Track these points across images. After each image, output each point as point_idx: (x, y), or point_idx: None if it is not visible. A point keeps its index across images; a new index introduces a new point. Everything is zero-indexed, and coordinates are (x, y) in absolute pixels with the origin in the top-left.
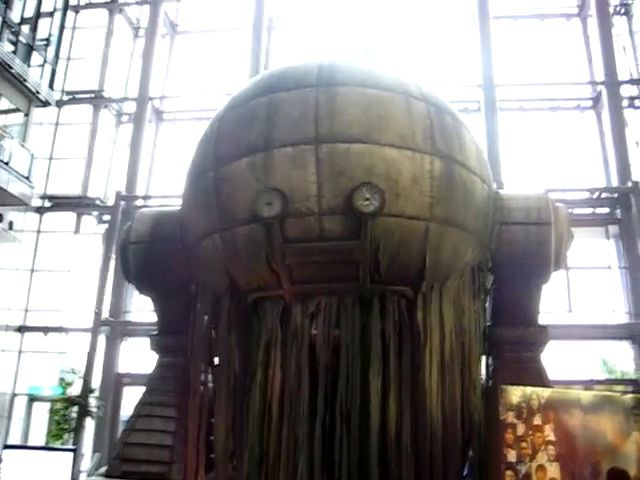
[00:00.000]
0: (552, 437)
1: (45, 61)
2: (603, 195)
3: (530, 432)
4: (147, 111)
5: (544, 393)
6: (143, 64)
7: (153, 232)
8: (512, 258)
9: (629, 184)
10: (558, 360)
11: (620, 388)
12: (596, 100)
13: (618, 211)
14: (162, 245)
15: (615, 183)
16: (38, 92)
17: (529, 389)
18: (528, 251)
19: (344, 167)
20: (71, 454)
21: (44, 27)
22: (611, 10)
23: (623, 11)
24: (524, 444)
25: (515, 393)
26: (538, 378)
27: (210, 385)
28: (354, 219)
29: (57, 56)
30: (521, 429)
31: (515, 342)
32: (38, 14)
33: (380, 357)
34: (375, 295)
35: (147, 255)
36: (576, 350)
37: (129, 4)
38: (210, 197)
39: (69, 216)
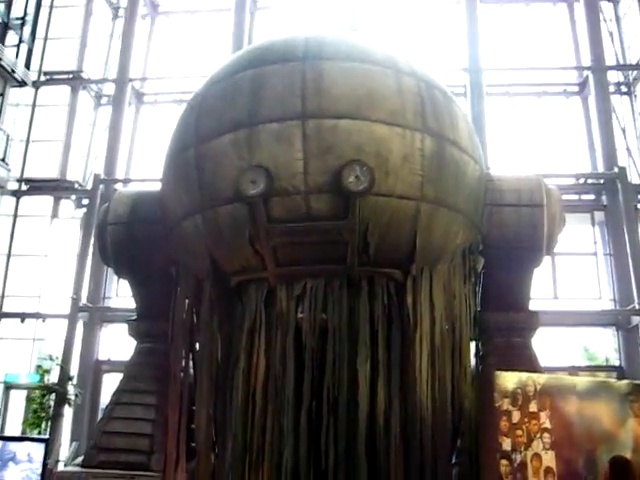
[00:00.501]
0: (548, 424)
1: (21, 40)
2: (589, 181)
3: (525, 419)
4: (127, 93)
5: (540, 379)
6: (123, 44)
7: (132, 213)
8: (503, 241)
9: (615, 170)
10: (540, 347)
11: (603, 375)
12: (582, 86)
13: (604, 197)
14: (141, 226)
15: (601, 169)
16: (14, 71)
17: (524, 375)
18: (520, 234)
19: (332, 144)
20: (43, 445)
21: (20, 5)
22: None
23: None
24: (519, 432)
25: (510, 379)
26: (529, 364)
27: (191, 371)
28: (342, 198)
29: (34, 35)
30: (516, 416)
31: (505, 328)
32: None
33: (368, 342)
34: (363, 278)
35: (125, 237)
36: (557, 337)
37: None
38: (191, 175)
39: (46, 200)
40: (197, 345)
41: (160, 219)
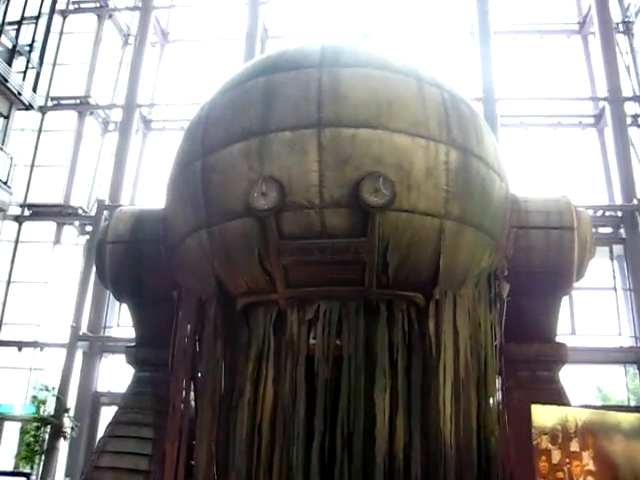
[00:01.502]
0: (592, 466)
1: (28, 62)
2: (607, 214)
3: (567, 460)
4: (134, 119)
5: (581, 415)
6: (131, 71)
7: (133, 231)
8: (530, 266)
9: (634, 202)
10: None
11: None
12: (598, 117)
13: (622, 230)
14: (143, 246)
15: (619, 201)
16: (20, 94)
17: (564, 409)
18: (548, 258)
19: (350, 154)
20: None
21: (30, 31)
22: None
23: (624, 29)
24: (560, 474)
25: (549, 414)
26: (558, 400)
27: (192, 403)
28: (360, 213)
29: (42, 59)
30: (557, 456)
31: (531, 360)
32: (23, 17)
33: (387, 372)
34: (382, 301)
35: (126, 256)
36: (570, 375)
37: (119, 10)
38: (197, 189)
39: (49, 226)
40: (199, 374)
41: (163, 238)
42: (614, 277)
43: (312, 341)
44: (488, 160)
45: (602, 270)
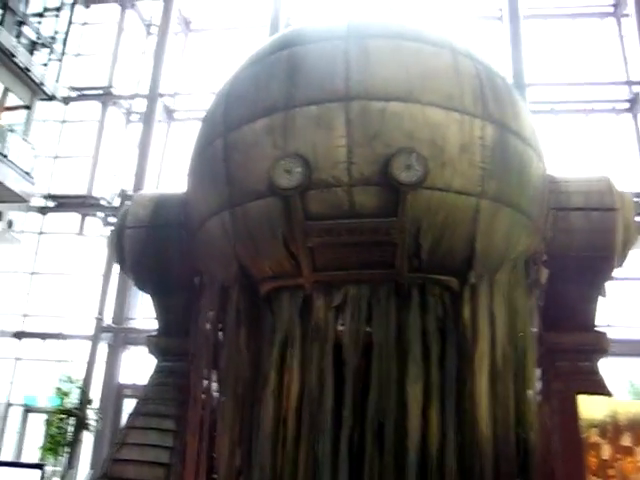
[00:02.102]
0: None
1: (51, 53)
2: None
3: (618, 456)
4: (157, 109)
5: (633, 407)
6: (155, 60)
7: (154, 216)
8: (570, 249)
9: None
10: None
11: None
12: (633, 102)
13: None
14: (164, 231)
15: None
16: (42, 84)
17: (614, 400)
18: (590, 241)
19: (379, 129)
20: (39, 471)
21: (52, 21)
22: None
23: None
24: (612, 471)
25: (598, 406)
26: (600, 392)
27: (214, 393)
28: (391, 192)
29: (64, 50)
30: (607, 451)
31: (570, 350)
32: (45, 8)
33: (420, 360)
34: (414, 286)
35: (146, 242)
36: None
37: None
38: (218, 169)
39: (73, 217)
40: (221, 363)
41: (184, 222)
42: None
43: (340, 328)
44: (525, 137)
45: (637, 259)
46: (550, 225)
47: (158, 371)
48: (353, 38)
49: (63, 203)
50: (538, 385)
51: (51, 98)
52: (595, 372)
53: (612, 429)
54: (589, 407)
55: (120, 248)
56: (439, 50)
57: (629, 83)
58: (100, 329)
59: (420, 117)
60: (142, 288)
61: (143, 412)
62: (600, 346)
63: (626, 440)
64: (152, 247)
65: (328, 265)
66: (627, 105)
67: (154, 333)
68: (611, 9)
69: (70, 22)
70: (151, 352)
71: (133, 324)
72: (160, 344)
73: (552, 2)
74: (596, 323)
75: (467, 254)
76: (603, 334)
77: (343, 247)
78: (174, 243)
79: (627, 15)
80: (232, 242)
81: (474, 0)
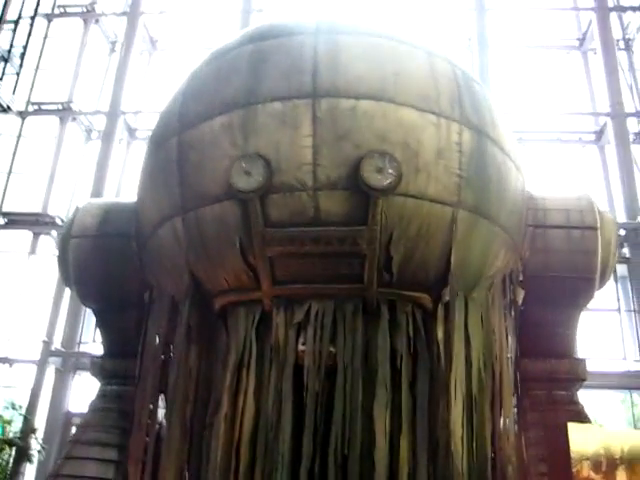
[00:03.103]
0: None
1: (6, 61)
2: None
3: None
4: (118, 127)
5: (627, 439)
6: (117, 77)
7: (102, 225)
8: (548, 269)
9: (638, 219)
10: None
11: None
12: (599, 134)
13: (626, 250)
14: (112, 241)
15: (622, 220)
16: None
17: (606, 431)
18: (569, 261)
19: (349, 129)
20: None
21: (9, 33)
22: None
23: (625, 46)
24: None
25: (590, 436)
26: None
27: (161, 419)
28: (360, 197)
29: (22, 63)
30: None
31: (546, 378)
32: (1, 19)
33: (389, 384)
34: (383, 302)
35: (92, 252)
36: None
37: (105, 14)
38: (171, 170)
39: (25, 235)
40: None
41: (135, 232)
42: (618, 298)
43: (301, 347)
44: (504, 146)
45: (605, 291)
46: (528, 243)
47: (101, 395)
48: (323, 34)
49: (15, 220)
50: (514, 415)
51: (6, 110)
52: (574, 402)
53: (606, 463)
54: (580, 437)
55: (64, 259)
56: (414, 50)
57: (596, 114)
58: (47, 353)
59: (393, 117)
60: (86, 303)
61: (82, 440)
62: (578, 374)
63: (622, 475)
64: (98, 258)
65: (289, 278)
66: (593, 137)
67: (98, 355)
68: (576, 43)
69: (29, 35)
70: (95, 375)
71: (85, 348)
72: (105, 366)
73: (520, 33)
74: (575, 350)
75: (441, 269)
76: (581, 361)
77: (306, 258)
78: (123, 254)
79: (592, 50)
80: (184, 251)
81: (442, 29)
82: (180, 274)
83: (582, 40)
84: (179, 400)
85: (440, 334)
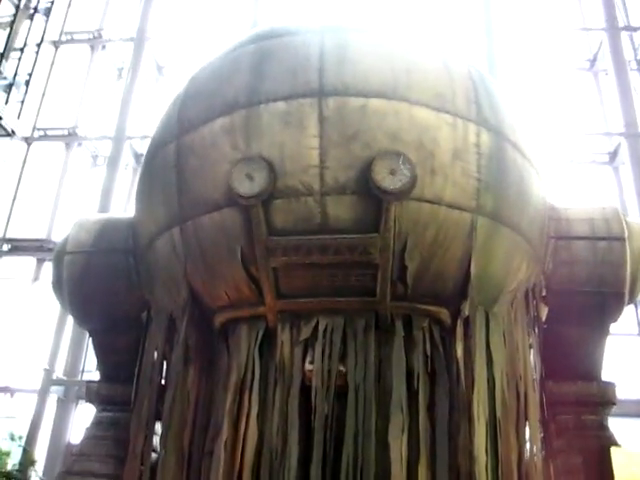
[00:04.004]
0: None
1: (10, 88)
2: None
3: None
4: (124, 153)
5: None
6: (123, 102)
7: (97, 240)
8: (574, 283)
9: None
10: None
11: None
12: (613, 154)
13: None
14: (108, 257)
15: None
16: (0, 118)
17: None
18: (595, 274)
19: (359, 129)
20: None
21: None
22: None
23: (636, 66)
24: None
25: (636, 462)
26: None
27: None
28: (372, 201)
29: (27, 88)
30: None
31: (573, 401)
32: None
33: (405, 407)
34: (398, 317)
35: (87, 268)
36: None
37: (112, 40)
38: (169, 177)
39: (29, 261)
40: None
41: (132, 247)
42: (638, 322)
43: (308, 367)
44: (525, 151)
45: (624, 314)
46: (551, 256)
47: (96, 422)
48: (329, 32)
49: (19, 247)
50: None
51: (10, 134)
52: (604, 427)
53: None
54: (627, 461)
55: (58, 277)
56: (426, 48)
57: (610, 134)
58: (49, 381)
59: (406, 116)
60: (81, 324)
61: (75, 470)
62: (608, 397)
63: None
64: (94, 275)
65: (295, 291)
66: (607, 158)
67: (95, 380)
68: (587, 64)
69: (35, 62)
70: (90, 401)
71: (88, 377)
72: (101, 391)
73: (529, 56)
74: (602, 371)
75: (460, 280)
76: (611, 384)
77: (313, 269)
78: (120, 271)
79: (604, 70)
80: (182, 263)
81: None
82: (178, 289)
83: (593, 61)
84: (175, 425)
85: (460, 352)
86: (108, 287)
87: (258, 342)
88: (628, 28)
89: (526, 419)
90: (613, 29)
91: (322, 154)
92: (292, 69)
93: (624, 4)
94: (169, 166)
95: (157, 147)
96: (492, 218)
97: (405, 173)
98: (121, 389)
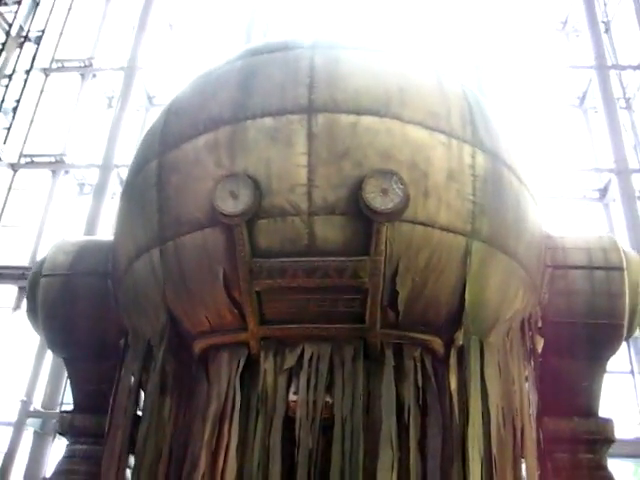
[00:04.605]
0: None
1: None
2: None
3: None
4: (111, 181)
5: None
6: (111, 130)
7: (75, 262)
8: (570, 315)
9: None
10: None
11: None
12: (604, 191)
13: None
14: (85, 280)
15: None
16: None
17: None
18: (593, 305)
19: (349, 146)
20: None
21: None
22: None
23: (625, 105)
24: None
25: None
26: None
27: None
28: (362, 222)
29: (14, 114)
30: None
31: (569, 439)
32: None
33: (395, 442)
34: (388, 346)
35: (63, 292)
36: None
37: (103, 70)
38: (150, 195)
39: (10, 289)
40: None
41: (111, 270)
42: (631, 360)
43: (292, 397)
44: (521, 175)
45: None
46: (546, 285)
47: (68, 456)
48: (321, 47)
49: (1, 274)
50: None
51: None
52: (602, 467)
53: None
54: None
55: (33, 301)
56: (420, 66)
57: (600, 170)
58: (26, 413)
59: (399, 135)
60: (56, 350)
61: None
62: (605, 435)
63: None
64: (69, 299)
65: (279, 316)
66: (597, 194)
67: (67, 410)
68: (577, 101)
69: (23, 89)
70: (63, 432)
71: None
72: (74, 422)
73: (517, 93)
74: (599, 407)
75: (454, 307)
76: (609, 421)
77: (299, 293)
78: (97, 295)
79: (593, 108)
80: (161, 286)
81: None
82: (156, 313)
83: (582, 99)
84: (149, 458)
85: (453, 384)
86: (84, 312)
87: (239, 370)
88: (616, 67)
89: (523, 457)
90: (602, 67)
91: (310, 172)
92: (281, 84)
93: (612, 43)
94: (150, 184)
95: (138, 165)
96: (488, 243)
97: (397, 193)
98: (95, 420)
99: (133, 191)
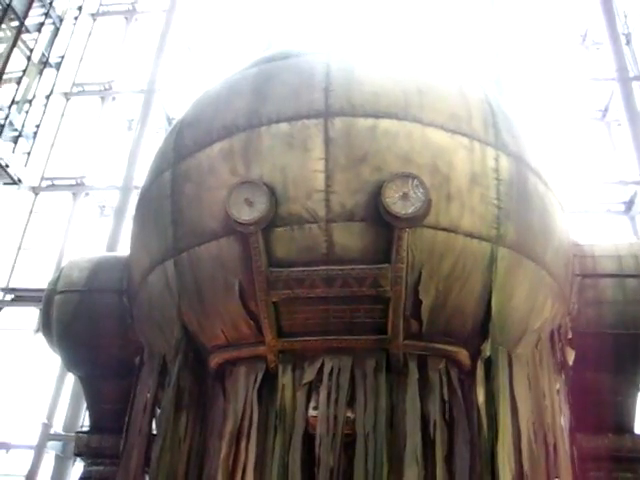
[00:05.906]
0: None
1: (18, 138)
2: None
3: None
4: (131, 202)
5: None
6: (131, 153)
7: (90, 279)
8: (601, 325)
9: None
10: None
11: None
12: (629, 204)
13: None
14: (101, 297)
15: None
16: (7, 166)
17: None
18: (625, 314)
19: (368, 151)
20: None
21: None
22: None
23: None
24: None
25: None
26: None
27: None
28: (382, 229)
29: (34, 139)
30: None
31: (604, 457)
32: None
33: (420, 458)
34: (412, 357)
35: (78, 309)
36: None
37: (122, 92)
38: (164, 207)
39: (32, 312)
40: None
41: (126, 286)
42: None
43: (312, 413)
44: (547, 180)
45: None
46: (576, 295)
47: (85, 477)
48: (336, 52)
49: (22, 297)
50: None
51: (16, 182)
52: None
53: None
54: None
55: (47, 317)
56: (439, 70)
57: (624, 183)
58: (47, 436)
59: (419, 138)
60: (71, 368)
61: None
62: None
63: None
64: (85, 315)
65: (298, 328)
66: (622, 207)
67: (84, 430)
68: (599, 114)
69: (44, 113)
70: (80, 454)
71: None
72: (91, 443)
73: (541, 107)
74: (635, 423)
75: (480, 317)
76: None
77: (318, 304)
78: (113, 312)
79: (616, 121)
80: (176, 299)
81: None
82: (171, 327)
83: (605, 111)
84: (164, 477)
85: (481, 397)
86: (99, 329)
87: (257, 385)
88: (639, 78)
89: (557, 476)
90: (624, 80)
91: (328, 178)
92: (296, 89)
93: (633, 55)
94: (164, 195)
95: (152, 177)
96: (514, 249)
97: (419, 197)
98: (112, 440)
99: (147, 203)
